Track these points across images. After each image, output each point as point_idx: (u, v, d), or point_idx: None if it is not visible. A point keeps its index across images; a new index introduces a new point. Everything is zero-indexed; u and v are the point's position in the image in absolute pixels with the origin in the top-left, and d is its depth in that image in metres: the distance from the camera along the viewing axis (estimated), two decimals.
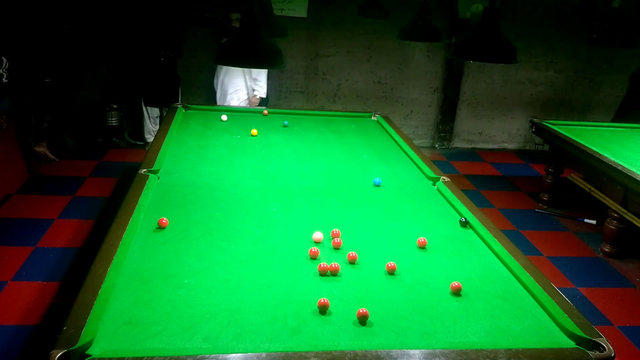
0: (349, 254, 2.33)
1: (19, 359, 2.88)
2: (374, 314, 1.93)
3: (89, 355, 1.63)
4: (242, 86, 5.69)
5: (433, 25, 3.91)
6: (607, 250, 4.44)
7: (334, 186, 3.24)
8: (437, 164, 3.68)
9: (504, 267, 2.36)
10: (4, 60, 4.62)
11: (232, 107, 5.16)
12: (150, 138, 6.08)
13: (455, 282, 2.15)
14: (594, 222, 4.99)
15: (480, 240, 2.60)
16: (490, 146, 7.31)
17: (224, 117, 4.41)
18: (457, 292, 2.13)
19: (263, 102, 5.87)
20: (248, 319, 1.88)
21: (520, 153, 6.92)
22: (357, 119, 4.79)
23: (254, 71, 5.24)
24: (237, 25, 5.41)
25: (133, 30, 6.07)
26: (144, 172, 3.07)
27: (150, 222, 2.55)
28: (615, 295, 3.90)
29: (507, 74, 7.00)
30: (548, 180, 5.40)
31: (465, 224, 2.75)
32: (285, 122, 4.45)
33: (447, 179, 3.30)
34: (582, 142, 4.70)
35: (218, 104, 5.67)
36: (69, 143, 5.92)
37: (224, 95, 5.75)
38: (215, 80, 5.91)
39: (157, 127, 5.86)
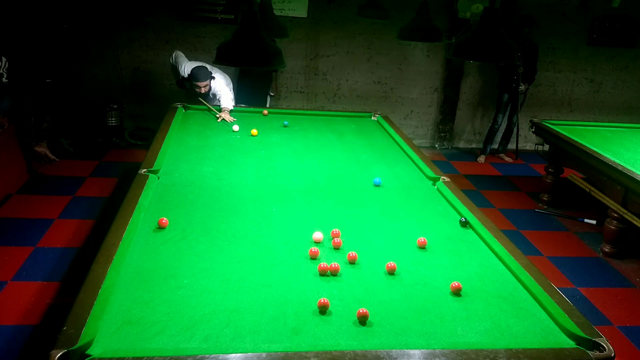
0: (349, 254, 2.33)
1: (19, 359, 2.88)
2: (374, 314, 1.93)
3: (89, 355, 1.63)
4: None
5: (433, 25, 3.90)
6: (607, 250, 4.44)
7: (334, 186, 3.24)
8: (437, 164, 3.68)
9: (504, 267, 2.36)
10: (4, 59, 4.62)
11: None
12: None
13: (455, 282, 2.15)
14: (594, 222, 4.99)
15: (480, 240, 2.60)
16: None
17: (236, 128, 4.22)
18: (457, 292, 2.13)
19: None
20: (248, 319, 1.88)
21: (520, 153, 6.93)
22: (357, 119, 4.79)
23: (215, 89, 4.98)
24: None
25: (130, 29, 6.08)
26: (144, 172, 3.07)
27: (150, 222, 2.55)
28: (615, 295, 3.89)
29: None
30: (548, 180, 5.40)
31: (465, 224, 2.75)
32: (285, 122, 4.45)
33: (447, 179, 3.30)
34: (582, 142, 4.70)
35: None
36: (67, 150, 5.90)
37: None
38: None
39: None
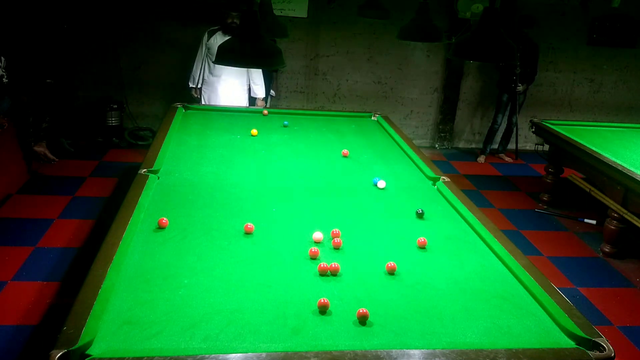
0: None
1: (19, 359, 2.88)
2: (374, 314, 1.93)
3: (89, 355, 1.62)
4: (244, 87, 5.42)
5: (433, 25, 3.90)
6: (607, 250, 4.44)
7: (333, 186, 3.24)
8: (437, 164, 3.68)
9: (504, 267, 2.36)
10: (3, 59, 4.61)
11: (231, 107, 5.14)
12: None
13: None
14: (594, 222, 4.99)
15: (480, 240, 2.60)
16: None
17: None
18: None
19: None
20: (248, 319, 1.88)
21: (520, 153, 6.93)
22: (357, 119, 4.79)
23: (253, 73, 5.11)
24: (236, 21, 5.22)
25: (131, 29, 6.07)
26: (144, 172, 3.07)
27: (150, 222, 2.55)
28: (615, 295, 3.89)
29: None
30: (548, 180, 5.40)
31: (421, 215, 2.80)
32: (285, 122, 4.44)
33: (447, 179, 3.30)
34: (582, 142, 4.70)
35: (209, 103, 5.28)
36: (67, 150, 5.90)
37: (219, 94, 5.31)
38: (204, 78, 5.39)
39: None
